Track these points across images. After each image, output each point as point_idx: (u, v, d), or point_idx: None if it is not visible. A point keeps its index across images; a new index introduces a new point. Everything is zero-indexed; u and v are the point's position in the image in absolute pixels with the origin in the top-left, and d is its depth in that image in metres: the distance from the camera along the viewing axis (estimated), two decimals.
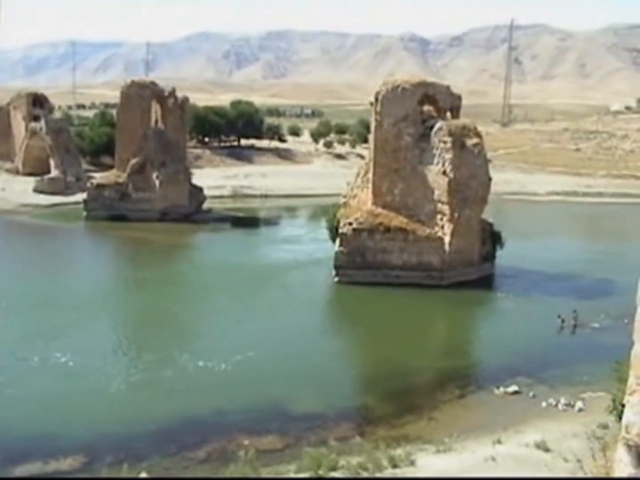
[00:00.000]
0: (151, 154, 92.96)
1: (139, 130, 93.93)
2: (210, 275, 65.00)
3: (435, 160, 61.63)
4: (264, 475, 27.24)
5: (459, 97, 68.20)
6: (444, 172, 60.65)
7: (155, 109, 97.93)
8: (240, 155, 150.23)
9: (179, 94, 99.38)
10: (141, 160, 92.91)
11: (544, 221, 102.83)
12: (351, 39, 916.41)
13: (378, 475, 25.56)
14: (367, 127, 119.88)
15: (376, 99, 64.71)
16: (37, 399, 36.10)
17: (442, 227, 61.34)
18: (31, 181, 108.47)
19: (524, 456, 27.97)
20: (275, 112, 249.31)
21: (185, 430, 33.27)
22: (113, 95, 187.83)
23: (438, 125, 62.17)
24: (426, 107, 65.74)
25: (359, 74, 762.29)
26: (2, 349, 43.30)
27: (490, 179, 62.91)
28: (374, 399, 38.30)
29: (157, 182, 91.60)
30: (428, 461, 27.83)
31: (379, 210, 63.81)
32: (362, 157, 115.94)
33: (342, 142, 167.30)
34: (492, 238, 65.81)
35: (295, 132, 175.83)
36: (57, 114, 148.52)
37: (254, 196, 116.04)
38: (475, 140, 62.31)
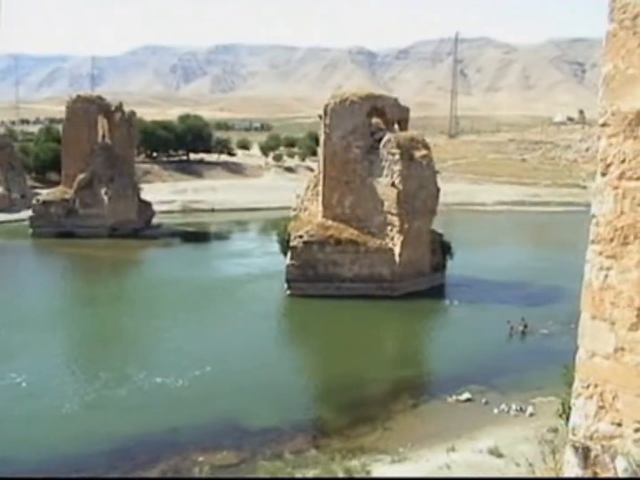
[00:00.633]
0: (99, 170, 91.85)
1: (86, 145, 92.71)
2: (162, 290, 64.37)
3: (385, 172, 62.14)
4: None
5: (407, 110, 68.94)
6: (393, 184, 61.20)
7: (102, 123, 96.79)
8: (189, 169, 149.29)
9: (126, 109, 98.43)
10: (88, 175, 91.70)
11: (492, 231, 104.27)
12: (299, 53, 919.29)
13: None
14: (316, 140, 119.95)
15: (325, 112, 65.03)
16: None
17: (393, 238, 61.80)
18: None
19: (477, 462, 28.31)
20: (224, 125, 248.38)
21: (139, 448, 32.86)
22: (58, 110, 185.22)
23: (386, 137, 62.74)
24: (375, 120, 66.31)
25: (307, 87, 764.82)
26: None
27: (438, 190, 63.70)
28: (328, 411, 38.35)
29: (105, 198, 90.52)
30: (384, 471, 27.96)
31: (330, 222, 64.03)
32: (311, 170, 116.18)
33: (291, 155, 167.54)
34: (442, 248, 66.54)
35: (245, 146, 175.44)
36: (0, 130, 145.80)
37: (203, 210, 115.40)
38: (423, 151, 63.07)
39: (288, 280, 62.13)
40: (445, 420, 36.36)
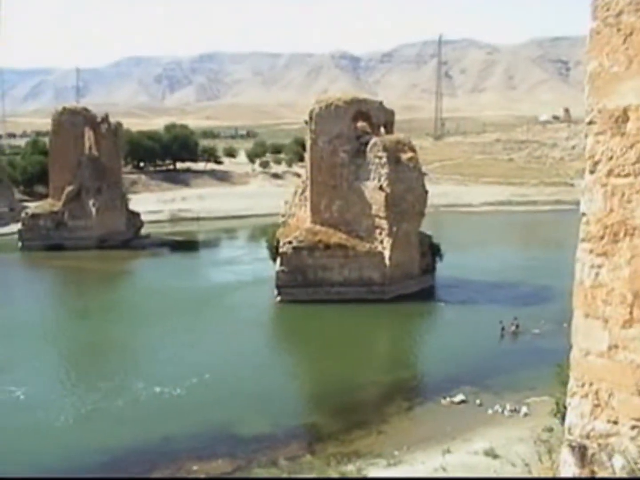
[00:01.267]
0: (86, 181, 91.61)
1: (73, 157, 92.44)
2: (153, 300, 64.15)
3: (372, 176, 62.22)
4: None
5: (392, 113, 69.07)
6: (381, 187, 61.28)
7: (89, 135, 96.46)
8: (177, 178, 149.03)
9: (112, 120, 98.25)
10: (76, 187, 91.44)
11: (480, 231, 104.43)
12: (283, 59, 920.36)
13: None
14: (303, 146, 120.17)
15: (310, 118, 65.08)
16: None
17: (382, 241, 61.85)
18: None
19: (473, 464, 28.30)
20: (210, 134, 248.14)
21: (134, 459, 32.73)
22: (44, 123, 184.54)
23: (373, 141, 62.83)
24: (360, 124, 66.40)
25: (292, 93, 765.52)
26: None
27: (426, 192, 63.82)
28: (322, 416, 38.26)
29: (93, 210, 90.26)
30: (379, 475, 27.89)
31: (318, 227, 64.03)
32: (298, 175, 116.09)
33: (278, 162, 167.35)
34: (431, 250, 66.63)
35: (231, 154, 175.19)
36: None
37: (192, 219, 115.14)
38: (409, 154, 63.19)
39: (278, 286, 62.07)
40: (440, 422, 36.34)
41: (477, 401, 39.08)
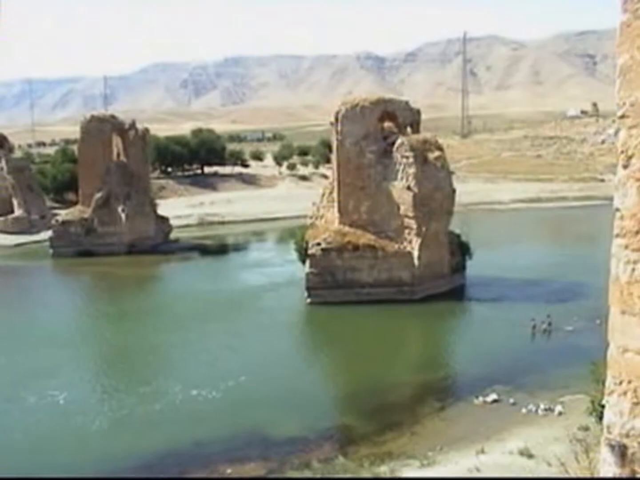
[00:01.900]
0: (115, 188, 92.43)
1: (101, 164, 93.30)
2: (185, 304, 64.42)
3: (399, 176, 62.04)
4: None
5: (418, 112, 68.79)
6: (409, 187, 61.06)
7: (117, 142, 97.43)
8: (204, 183, 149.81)
9: (139, 126, 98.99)
10: (105, 194, 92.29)
11: (510, 229, 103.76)
12: (307, 61, 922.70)
13: None
14: (329, 147, 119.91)
15: (336, 119, 65.04)
16: (20, 439, 35.54)
17: (410, 241, 61.62)
18: None
19: (507, 464, 28.07)
20: (237, 137, 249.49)
21: (167, 463, 32.88)
22: (73, 131, 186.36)
23: (399, 141, 62.64)
24: (386, 124, 66.25)
25: (317, 95, 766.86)
26: None
27: (454, 190, 63.45)
28: (354, 417, 38.17)
29: (122, 215, 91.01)
30: (413, 476, 27.77)
31: (347, 229, 63.96)
32: (325, 177, 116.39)
33: (305, 164, 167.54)
34: (461, 249, 66.25)
35: (258, 157, 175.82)
36: (17, 153, 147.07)
37: (220, 223, 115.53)
38: (437, 153, 62.89)
39: (308, 288, 62.07)
40: (473, 422, 36.08)
41: (511, 400, 38.74)
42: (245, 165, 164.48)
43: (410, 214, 61.10)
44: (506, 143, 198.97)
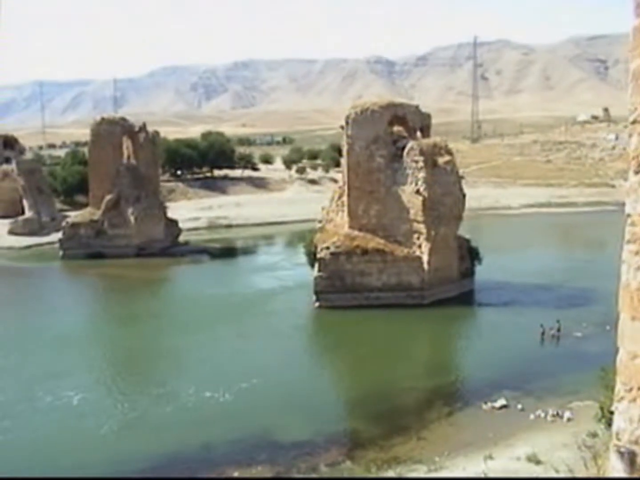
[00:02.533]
0: (125, 190, 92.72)
1: (111, 166, 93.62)
2: (196, 306, 64.47)
3: (409, 180, 61.95)
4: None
5: (428, 116, 68.70)
6: (418, 191, 60.97)
7: (127, 144, 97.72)
8: (214, 186, 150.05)
9: (149, 129, 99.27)
10: (115, 196, 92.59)
11: (519, 234, 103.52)
12: (318, 65, 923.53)
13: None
14: (339, 151, 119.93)
15: (346, 123, 65.02)
16: (31, 439, 35.64)
17: (420, 246, 61.51)
18: (5, 223, 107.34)
19: (515, 470, 27.94)
20: (246, 141, 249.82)
21: (174, 466, 32.83)
22: (83, 133, 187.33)
23: (409, 145, 62.56)
24: (396, 128, 66.20)
25: (327, 98, 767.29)
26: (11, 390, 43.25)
27: (464, 195, 63.32)
28: (362, 422, 38.07)
29: (132, 218, 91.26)
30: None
31: (356, 233, 63.90)
32: (335, 181, 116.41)
33: (314, 168, 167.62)
34: (470, 254, 66.12)
35: (268, 160, 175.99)
36: (28, 155, 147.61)
37: (229, 226, 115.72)
38: (446, 157, 62.80)
39: (316, 292, 62.01)
40: (481, 427, 35.92)
41: (519, 406, 38.58)
42: (255, 169, 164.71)
43: (420, 219, 61.01)
44: (516, 148, 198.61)
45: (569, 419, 35.89)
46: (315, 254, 63.62)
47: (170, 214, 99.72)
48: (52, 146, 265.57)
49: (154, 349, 53.47)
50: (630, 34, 5.67)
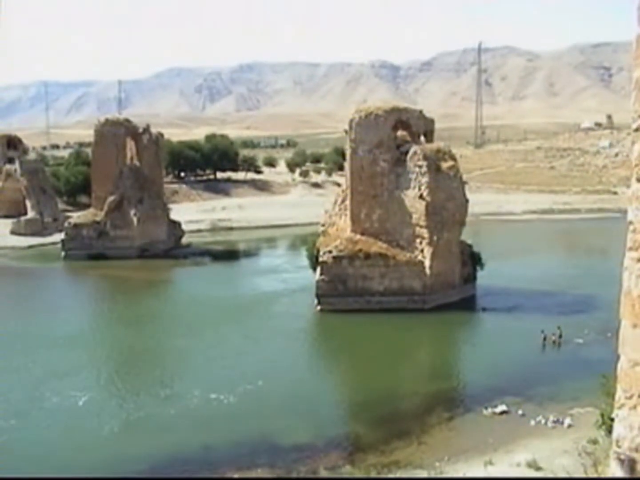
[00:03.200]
0: (128, 191, 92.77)
1: (115, 168, 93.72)
2: (198, 308, 64.46)
3: (412, 185, 61.92)
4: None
5: (432, 121, 68.71)
6: (421, 196, 60.95)
7: (130, 146, 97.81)
8: (217, 188, 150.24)
9: (153, 130, 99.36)
10: (118, 197, 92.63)
11: (522, 240, 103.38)
12: (322, 69, 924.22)
13: None
14: (342, 155, 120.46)
15: (350, 127, 65.05)
16: (33, 440, 35.68)
17: (422, 251, 61.48)
18: (7, 223, 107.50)
19: (515, 476, 27.87)
20: (250, 144, 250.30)
21: (174, 467, 32.80)
22: (87, 134, 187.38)
23: (413, 149, 62.56)
24: (400, 132, 66.19)
25: (331, 102, 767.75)
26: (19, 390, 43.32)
27: (467, 200, 63.30)
28: (362, 426, 38.03)
29: (134, 219, 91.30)
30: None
31: (358, 236, 63.89)
32: (338, 184, 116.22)
33: (318, 171, 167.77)
34: (472, 259, 66.07)
35: (271, 163, 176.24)
36: (31, 155, 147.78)
37: (232, 229, 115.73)
38: (450, 163, 62.78)
39: (318, 296, 61.99)
40: (482, 433, 35.84)
41: (520, 412, 38.52)
42: (259, 172, 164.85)
43: (423, 223, 60.98)
44: (520, 154, 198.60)
45: (569, 426, 35.84)
46: (317, 258, 63.57)
47: (173, 215, 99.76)
48: (55, 147, 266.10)
49: (158, 350, 53.51)
50: (634, 43, 5.69)
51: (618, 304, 6.35)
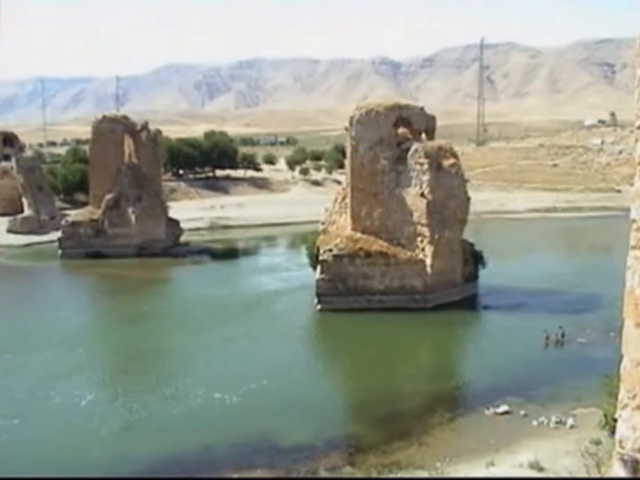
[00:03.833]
0: (126, 189, 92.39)
1: (113, 165, 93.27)
2: (198, 307, 64.38)
3: (413, 183, 61.73)
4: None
5: (433, 118, 68.51)
6: (422, 194, 60.75)
7: (128, 143, 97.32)
8: (216, 186, 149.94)
9: (152, 127, 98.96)
10: (116, 195, 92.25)
11: (524, 238, 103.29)
12: (322, 65, 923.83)
13: None
14: (343, 153, 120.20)
15: (351, 124, 64.86)
16: (35, 440, 35.63)
17: (423, 249, 61.28)
18: (4, 221, 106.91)
19: (517, 477, 27.76)
20: (250, 141, 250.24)
21: (174, 468, 32.67)
22: (84, 131, 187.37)
23: (414, 147, 62.36)
24: (401, 130, 66.01)
25: (331, 99, 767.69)
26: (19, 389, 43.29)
27: (468, 198, 63.09)
28: (363, 426, 37.86)
29: (132, 217, 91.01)
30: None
31: (359, 235, 63.70)
32: (338, 182, 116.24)
33: (318, 169, 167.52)
34: (474, 258, 65.86)
35: (271, 161, 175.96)
36: (28, 152, 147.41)
37: (231, 227, 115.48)
38: (451, 160, 62.59)
39: (318, 295, 61.80)
40: (483, 433, 35.62)
41: (522, 412, 38.31)
42: (258, 169, 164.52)
43: (424, 222, 60.79)
44: (522, 151, 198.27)
45: (572, 426, 35.63)
46: (317, 256, 63.38)
47: (172, 213, 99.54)
48: (52, 144, 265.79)
49: (160, 349, 53.45)
50: (637, 39, 5.57)
51: (621, 303, 6.24)
